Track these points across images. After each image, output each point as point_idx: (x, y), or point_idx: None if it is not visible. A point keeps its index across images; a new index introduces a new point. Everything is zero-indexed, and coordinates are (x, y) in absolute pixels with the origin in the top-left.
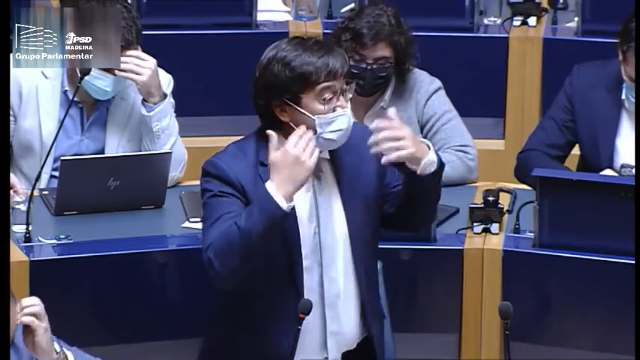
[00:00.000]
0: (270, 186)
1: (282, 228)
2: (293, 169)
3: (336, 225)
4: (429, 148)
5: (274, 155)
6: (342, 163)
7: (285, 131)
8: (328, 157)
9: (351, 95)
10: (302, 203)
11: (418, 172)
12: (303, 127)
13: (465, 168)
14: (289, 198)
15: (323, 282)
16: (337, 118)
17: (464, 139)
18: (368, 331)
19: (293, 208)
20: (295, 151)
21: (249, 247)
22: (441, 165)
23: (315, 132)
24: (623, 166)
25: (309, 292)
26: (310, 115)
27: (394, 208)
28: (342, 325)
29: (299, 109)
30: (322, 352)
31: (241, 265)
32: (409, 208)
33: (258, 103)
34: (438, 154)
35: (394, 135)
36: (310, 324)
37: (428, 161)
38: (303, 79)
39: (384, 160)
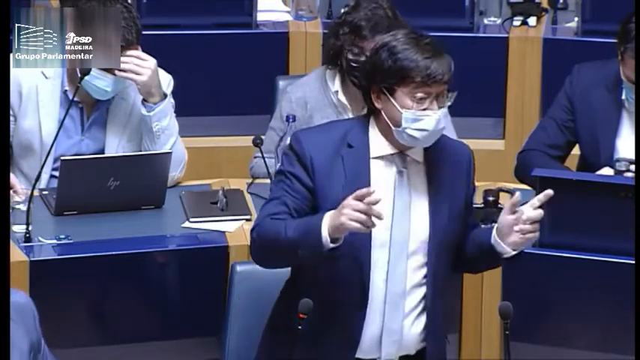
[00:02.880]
0: (327, 217)
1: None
2: (337, 212)
3: (415, 226)
4: None
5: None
6: (437, 170)
7: (376, 117)
8: (421, 160)
9: (449, 103)
10: (382, 197)
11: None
12: (376, 196)
13: None
14: (332, 235)
15: (388, 278)
16: (424, 118)
17: None
18: (427, 341)
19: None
20: (347, 201)
21: (285, 255)
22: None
23: (400, 125)
24: (617, 160)
25: (373, 285)
26: (399, 108)
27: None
28: (402, 325)
29: (391, 99)
30: (377, 350)
31: (272, 261)
32: (473, 258)
33: (362, 83)
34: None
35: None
36: (371, 318)
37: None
38: (401, 72)
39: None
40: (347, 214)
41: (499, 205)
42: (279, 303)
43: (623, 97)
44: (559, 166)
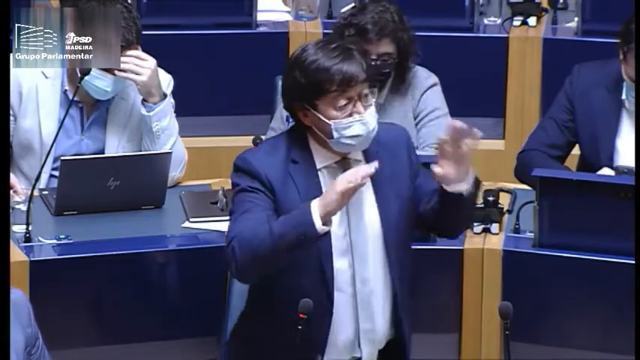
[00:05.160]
0: (314, 203)
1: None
2: (329, 191)
3: (368, 225)
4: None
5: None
6: (377, 161)
7: (310, 132)
8: (361, 158)
9: (373, 99)
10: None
11: (449, 190)
12: (365, 168)
13: None
14: (325, 219)
15: (355, 281)
16: (353, 124)
17: None
18: (398, 330)
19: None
20: (339, 178)
21: (275, 252)
22: (473, 189)
23: (333, 137)
24: (617, 168)
25: (341, 291)
26: (326, 121)
27: (427, 211)
28: (374, 323)
29: (317, 114)
30: (353, 350)
31: (262, 264)
32: (440, 215)
33: (284, 103)
34: (476, 178)
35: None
36: (342, 322)
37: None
38: (317, 86)
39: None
40: (340, 181)
41: (499, 205)
42: (245, 316)
43: (623, 96)
44: (559, 166)
